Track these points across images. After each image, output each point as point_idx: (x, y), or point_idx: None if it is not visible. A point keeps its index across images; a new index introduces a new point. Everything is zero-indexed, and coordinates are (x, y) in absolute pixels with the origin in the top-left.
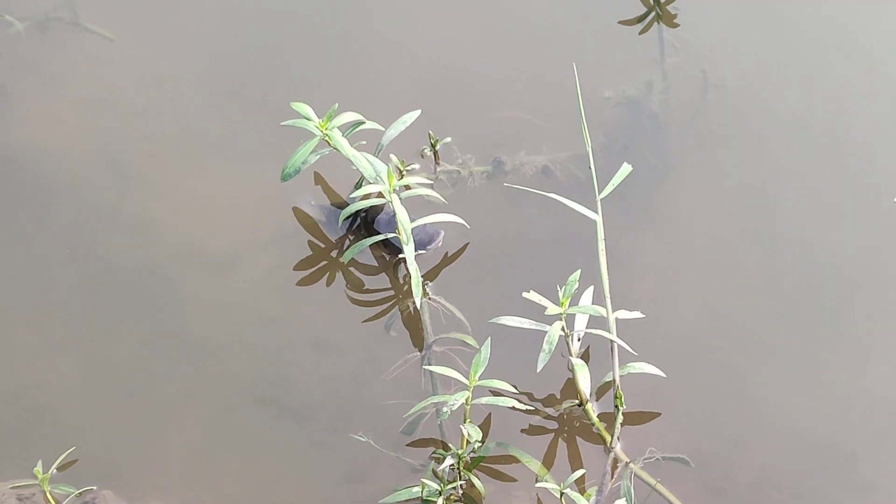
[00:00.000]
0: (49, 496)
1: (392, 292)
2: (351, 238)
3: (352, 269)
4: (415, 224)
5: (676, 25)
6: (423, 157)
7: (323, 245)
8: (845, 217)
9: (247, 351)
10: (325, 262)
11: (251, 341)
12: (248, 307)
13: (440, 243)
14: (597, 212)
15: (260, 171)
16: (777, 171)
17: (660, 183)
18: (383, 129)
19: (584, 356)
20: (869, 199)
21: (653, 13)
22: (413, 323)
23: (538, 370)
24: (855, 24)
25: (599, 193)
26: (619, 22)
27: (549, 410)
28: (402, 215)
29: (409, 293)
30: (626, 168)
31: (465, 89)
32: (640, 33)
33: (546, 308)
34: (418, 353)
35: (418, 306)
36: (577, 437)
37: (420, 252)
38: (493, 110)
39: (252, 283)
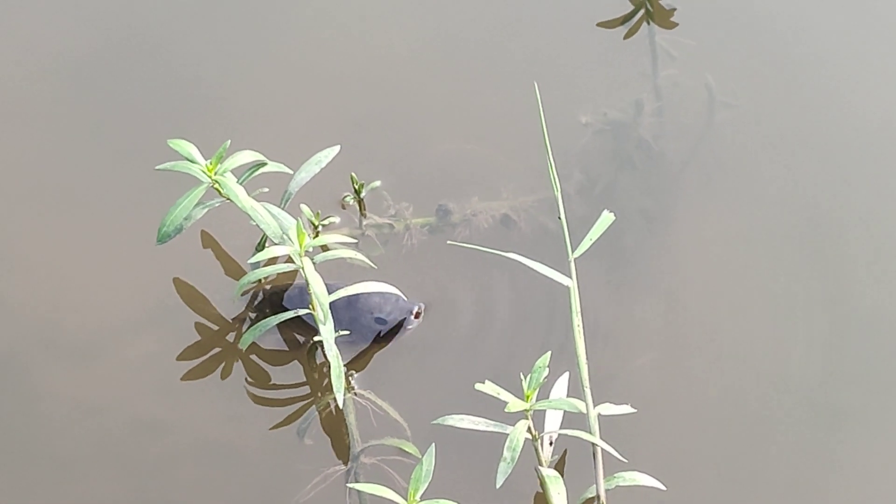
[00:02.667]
0: None
1: (307, 388)
2: (252, 317)
3: (254, 357)
4: (336, 296)
5: (673, 26)
6: (344, 207)
7: (216, 326)
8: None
9: (120, 465)
10: (218, 349)
11: (125, 452)
12: (119, 408)
13: (421, 319)
14: (570, 276)
15: (131, 231)
16: (809, 217)
17: (655, 233)
18: (291, 171)
19: (559, 465)
20: None
21: (642, 11)
22: (335, 427)
23: (498, 485)
24: None
25: (573, 251)
26: (599, 24)
27: None
28: (316, 286)
29: (329, 388)
30: (606, 217)
31: (398, 116)
32: (626, 38)
33: (507, 403)
34: (342, 467)
35: (341, 405)
36: None
37: (389, 338)
38: (436, 143)
39: (124, 376)
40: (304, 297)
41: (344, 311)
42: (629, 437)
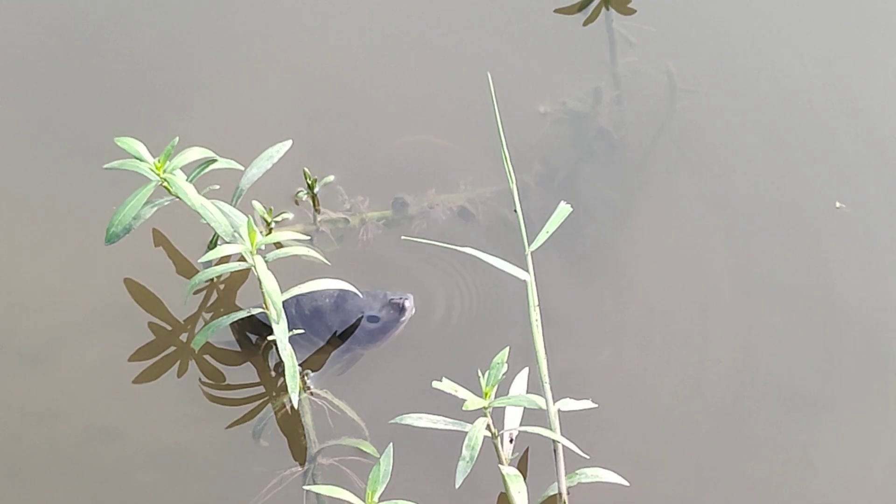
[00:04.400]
0: None
1: (262, 388)
2: (206, 316)
3: (207, 357)
4: (288, 294)
5: (632, 12)
6: (297, 203)
7: (169, 327)
8: (868, 264)
9: (74, 471)
10: (172, 349)
11: (79, 458)
12: (72, 413)
13: (413, 311)
14: (528, 270)
15: (79, 232)
16: (772, 205)
17: (617, 224)
18: (242, 168)
19: (520, 463)
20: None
21: None
22: (291, 427)
23: (458, 485)
24: None
25: (530, 245)
26: (556, 11)
27: None
28: (268, 284)
29: (284, 388)
30: (563, 209)
31: (352, 109)
32: (585, 25)
33: (465, 401)
34: (299, 468)
35: (296, 405)
36: None
37: (381, 338)
38: (391, 135)
39: (76, 380)
40: (285, 311)
41: (332, 316)
42: (591, 432)
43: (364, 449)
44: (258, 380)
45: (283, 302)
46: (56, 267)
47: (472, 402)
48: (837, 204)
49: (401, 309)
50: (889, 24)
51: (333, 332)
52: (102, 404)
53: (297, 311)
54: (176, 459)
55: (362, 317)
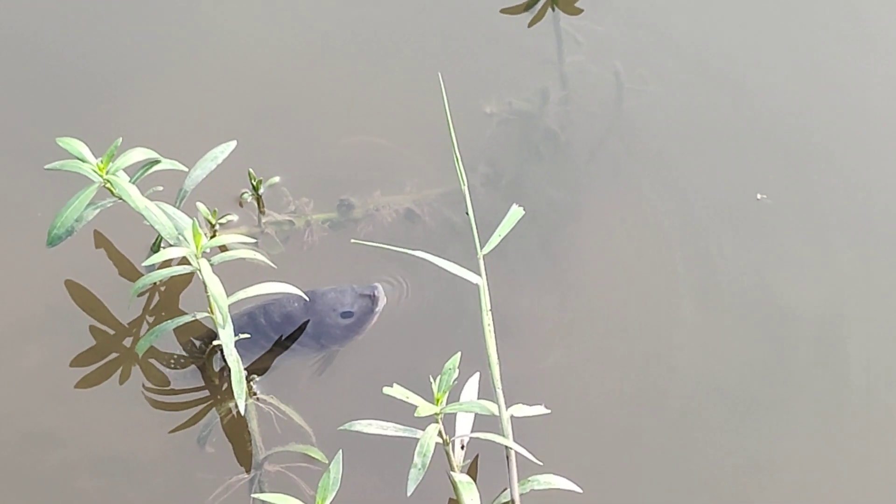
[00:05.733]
0: None
1: (207, 392)
2: (149, 320)
3: (152, 361)
4: (234, 298)
5: (578, 11)
6: (242, 205)
7: (112, 331)
8: (809, 268)
9: (13, 477)
10: (115, 355)
11: (19, 464)
12: (12, 418)
13: (385, 300)
14: (479, 273)
15: (21, 234)
16: (720, 204)
17: (565, 225)
18: (186, 169)
19: (472, 470)
20: (848, 244)
21: None
22: (237, 433)
23: (409, 492)
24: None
25: (482, 248)
26: (502, 10)
27: None
28: (214, 287)
29: (230, 393)
30: (516, 212)
31: (297, 109)
32: (530, 25)
33: (416, 407)
34: (245, 475)
35: (242, 411)
36: None
37: (358, 331)
38: (336, 136)
39: (16, 385)
40: (254, 322)
41: (303, 318)
42: (544, 438)
43: (313, 455)
44: (203, 384)
45: (250, 312)
46: None
47: (424, 408)
48: (759, 196)
49: (374, 299)
50: (828, 27)
51: (307, 335)
52: (43, 409)
53: (267, 319)
54: (119, 466)
55: (336, 313)
